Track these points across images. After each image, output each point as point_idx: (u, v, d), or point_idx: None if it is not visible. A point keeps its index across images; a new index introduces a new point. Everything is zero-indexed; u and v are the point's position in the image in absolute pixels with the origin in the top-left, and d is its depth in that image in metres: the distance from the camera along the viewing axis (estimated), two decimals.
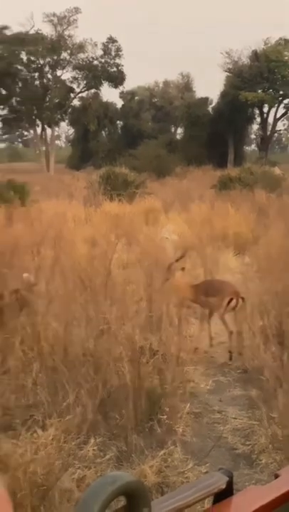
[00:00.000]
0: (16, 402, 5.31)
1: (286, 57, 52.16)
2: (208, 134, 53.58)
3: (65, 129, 79.54)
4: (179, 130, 64.89)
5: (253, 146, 70.27)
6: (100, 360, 5.53)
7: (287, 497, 1.89)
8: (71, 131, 68.83)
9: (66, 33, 55.59)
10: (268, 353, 5.97)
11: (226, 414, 5.63)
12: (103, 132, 60.22)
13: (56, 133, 63.11)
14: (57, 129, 62.66)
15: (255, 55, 52.71)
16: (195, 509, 1.98)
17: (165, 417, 5.01)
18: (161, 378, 5.39)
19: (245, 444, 5.03)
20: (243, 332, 7.12)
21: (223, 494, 1.84)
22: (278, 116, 57.24)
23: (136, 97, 63.57)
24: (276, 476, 2.04)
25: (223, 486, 1.81)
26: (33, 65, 55.44)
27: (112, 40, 56.99)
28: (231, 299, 7.21)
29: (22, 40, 52.73)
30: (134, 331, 6.05)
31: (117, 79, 57.28)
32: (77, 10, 55.41)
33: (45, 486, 3.70)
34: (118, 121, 61.60)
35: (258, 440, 4.98)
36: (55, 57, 55.46)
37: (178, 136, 63.25)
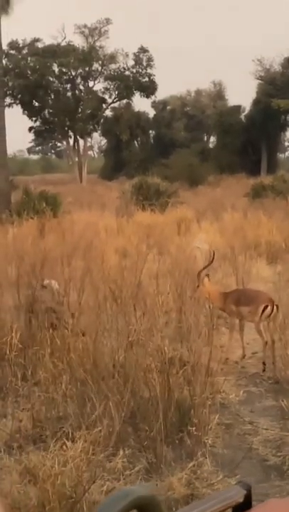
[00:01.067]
0: (46, 414, 5.35)
1: None
2: (241, 141, 53.45)
3: (97, 140, 79.92)
4: (212, 138, 64.91)
5: (287, 154, 69.96)
6: (129, 371, 5.54)
7: None
8: (104, 141, 69.37)
9: (97, 44, 56.00)
10: None
11: (257, 425, 5.60)
12: (135, 142, 60.46)
13: (89, 144, 63.50)
14: (89, 139, 63.04)
15: (288, 62, 52.50)
16: None
17: (194, 428, 4.99)
18: (191, 389, 5.37)
19: (276, 456, 5.00)
20: (275, 342, 7.07)
21: (242, 507, 1.84)
22: None
23: (168, 107, 63.72)
24: None
25: (241, 500, 1.82)
26: (65, 77, 55.86)
27: (143, 49, 57.12)
28: (266, 307, 7.15)
29: (54, 52, 53.28)
30: (163, 342, 6.07)
31: (148, 89, 57.35)
32: (108, 21, 55.81)
33: (73, 498, 3.72)
34: (150, 131, 61.78)
35: None
36: (87, 69, 55.82)
37: (210, 145, 63.22)
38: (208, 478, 4.46)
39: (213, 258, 8.18)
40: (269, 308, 7.14)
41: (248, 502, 1.86)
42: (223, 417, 5.64)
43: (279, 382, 6.45)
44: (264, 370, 6.93)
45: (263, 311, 7.15)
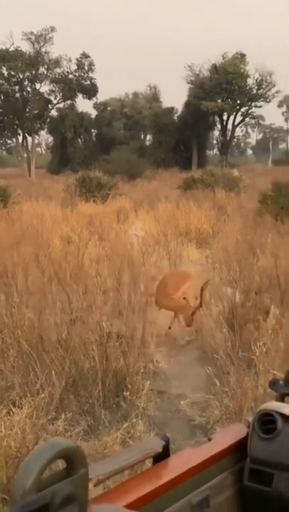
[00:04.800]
0: None
1: (242, 70, 52.49)
2: (175, 140, 53.71)
3: (44, 137, 79.05)
4: (148, 137, 64.88)
5: (215, 151, 70.55)
6: (71, 345, 5.53)
7: (218, 457, 1.94)
8: (50, 139, 68.59)
9: (43, 49, 55.20)
10: (222, 335, 6.02)
11: (186, 389, 5.68)
12: (79, 140, 59.97)
13: (36, 141, 62.65)
14: (37, 137, 62.22)
15: (215, 68, 52.90)
16: (136, 471, 2.02)
17: (129, 393, 5.03)
18: (126, 359, 5.41)
19: (201, 416, 5.10)
20: (202, 316, 7.16)
21: (161, 457, 1.87)
22: (236, 123, 57.58)
23: (108, 108, 63.41)
24: (209, 440, 2.09)
25: (160, 450, 1.85)
26: (14, 79, 54.96)
27: (85, 55, 56.71)
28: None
29: (3, 56, 52.34)
30: (102, 318, 6.09)
31: (90, 91, 57.05)
32: (52, 28, 55.02)
33: (18, 458, 3.71)
34: (92, 130, 61.40)
35: (212, 412, 5.04)
36: (34, 72, 55.01)
37: (147, 143, 63.23)
38: (140, 436, 4.51)
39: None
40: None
41: (166, 452, 1.90)
42: (155, 383, 5.71)
43: (205, 352, 6.55)
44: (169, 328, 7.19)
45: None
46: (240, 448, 2.00)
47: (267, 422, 1.97)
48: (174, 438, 4.36)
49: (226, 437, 2.06)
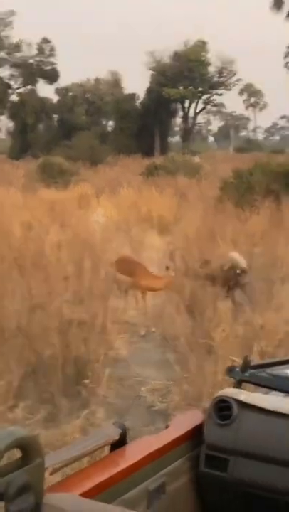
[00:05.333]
0: None
1: (203, 58, 52.57)
2: (137, 126, 53.52)
3: (5, 122, 77.93)
4: (110, 123, 64.56)
5: (177, 138, 70.62)
6: (31, 332, 5.49)
7: (174, 444, 1.95)
8: (11, 124, 67.63)
9: (3, 33, 54.31)
10: (182, 322, 6.05)
11: (146, 376, 5.70)
12: (40, 125, 59.37)
13: None
14: None
15: (176, 55, 52.84)
16: (94, 458, 2.01)
17: (89, 381, 5.03)
18: (87, 347, 5.39)
19: (162, 402, 5.12)
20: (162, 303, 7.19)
21: (119, 444, 1.88)
22: (198, 110, 57.75)
23: (70, 93, 62.79)
24: (166, 427, 2.10)
25: (117, 437, 1.86)
26: None
27: (46, 40, 56.08)
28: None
29: None
30: (62, 305, 6.05)
31: (51, 76, 56.52)
32: (12, 12, 54.17)
33: None
34: (54, 115, 60.80)
35: (172, 398, 5.07)
36: None
37: (109, 129, 62.91)
38: (100, 424, 4.51)
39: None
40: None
41: (123, 439, 1.91)
42: (115, 370, 5.69)
43: (165, 338, 6.57)
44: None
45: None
46: (196, 434, 2.02)
47: (223, 408, 1.99)
48: (134, 425, 4.37)
49: (182, 424, 2.07)
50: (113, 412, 4.80)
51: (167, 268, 7.41)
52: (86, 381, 5.06)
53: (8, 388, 4.63)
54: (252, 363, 2.20)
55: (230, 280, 7.15)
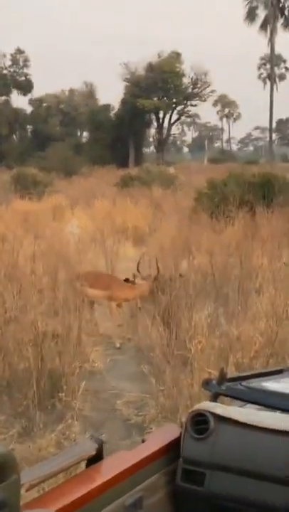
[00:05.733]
0: None
1: (178, 69, 52.95)
2: (111, 137, 53.65)
3: None
4: (85, 134, 64.65)
5: (152, 148, 70.90)
6: (5, 345, 5.44)
7: (151, 459, 1.94)
8: None
9: None
10: (157, 334, 6.04)
11: (122, 389, 5.67)
12: (14, 136, 59.24)
13: None
14: None
15: (150, 67, 53.13)
16: (71, 473, 1.99)
17: (64, 394, 4.99)
18: (62, 359, 5.36)
19: (137, 415, 5.09)
20: (137, 315, 7.18)
21: (95, 459, 1.86)
22: (172, 121, 58.06)
23: (44, 104, 62.75)
24: (143, 441, 2.09)
25: (93, 453, 1.84)
26: None
27: (20, 51, 56.11)
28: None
29: None
30: (37, 317, 6.00)
31: (25, 87, 56.48)
32: None
33: None
34: (28, 126, 60.72)
35: (148, 411, 5.05)
36: None
37: (83, 140, 62.98)
38: (76, 438, 4.47)
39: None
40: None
41: (100, 454, 1.89)
42: (91, 383, 5.66)
43: (141, 350, 6.55)
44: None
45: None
46: (173, 449, 2.01)
47: (200, 422, 1.99)
48: (110, 438, 4.34)
49: (159, 438, 2.06)
50: (89, 426, 4.77)
51: (134, 276, 7.46)
52: (61, 394, 5.03)
53: None
54: (228, 376, 2.20)
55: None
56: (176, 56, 53.65)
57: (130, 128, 53.23)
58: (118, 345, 6.95)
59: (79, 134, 65.92)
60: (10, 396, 5.03)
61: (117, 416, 5.09)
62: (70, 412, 4.87)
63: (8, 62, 56.20)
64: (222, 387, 2.14)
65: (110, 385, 5.75)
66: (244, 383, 2.16)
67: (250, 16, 43.16)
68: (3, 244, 10.32)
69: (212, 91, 56.13)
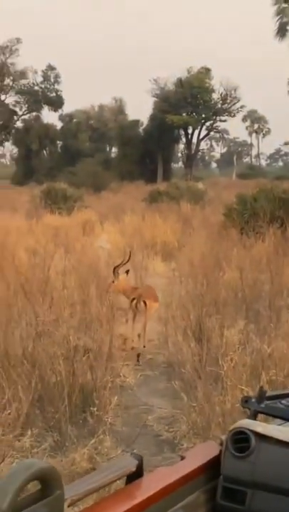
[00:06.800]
0: None
1: (207, 84, 53.12)
2: (140, 152, 53.98)
3: (9, 148, 78.62)
4: (114, 149, 65.14)
5: (180, 164, 71.08)
6: (37, 359, 5.47)
7: (191, 476, 1.92)
8: (15, 150, 68.26)
9: (9, 60, 55.06)
10: (189, 349, 6.02)
11: (153, 404, 5.66)
12: (44, 151, 59.88)
13: (1, 152, 62.41)
14: (2, 148, 62.00)
15: (180, 82, 53.38)
16: (109, 490, 1.99)
17: (96, 409, 4.99)
18: (93, 374, 5.36)
19: (168, 431, 5.06)
20: (167, 331, 7.15)
21: (134, 476, 1.85)
22: (201, 136, 58.20)
23: (74, 120, 63.41)
24: (182, 458, 2.08)
25: (133, 469, 1.83)
26: None
27: (51, 67, 56.85)
28: (133, 299, 7.19)
29: None
30: (68, 331, 6.03)
31: (56, 103, 57.16)
32: (18, 40, 54.97)
33: None
34: (58, 141, 61.34)
35: (179, 427, 5.01)
36: None
37: (112, 155, 63.44)
38: (108, 453, 4.46)
39: (129, 257, 8.02)
40: (148, 303, 7.15)
41: (139, 471, 1.88)
42: (122, 398, 5.65)
43: (172, 366, 6.52)
44: (138, 361, 6.80)
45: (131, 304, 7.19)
46: (212, 466, 1.99)
47: (240, 440, 1.97)
48: (141, 454, 4.31)
49: (199, 456, 2.04)
50: (120, 441, 4.76)
51: (127, 272, 7.67)
52: (93, 409, 5.03)
53: (16, 416, 4.60)
54: (267, 394, 2.18)
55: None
56: (206, 71, 53.88)
57: (159, 143, 53.47)
58: (150, 356, 6.93)
59: (108, 149, 66.45)
60: (42, 409, 5.04)
61: (148, 432, 5.07)
62: (102, 427, 4.86)
63: (40, 79, 57.01)
64: (261, 405, 2.13)
65: (141, 401, 5.74)
66: (284, 401, 2.14)
67: (281, 31, 42.99)
68: (34, 258, 10.41)
69: (241, 106, 56.25)
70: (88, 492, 1.67)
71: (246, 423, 2.03)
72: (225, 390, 4.92)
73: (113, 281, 7.64)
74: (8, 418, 4.44)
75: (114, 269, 7.67)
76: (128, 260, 7.91)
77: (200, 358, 5.58)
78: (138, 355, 6.85)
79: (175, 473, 1.90)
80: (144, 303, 7.13)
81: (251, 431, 1.96)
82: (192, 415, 4.94)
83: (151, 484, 1.81)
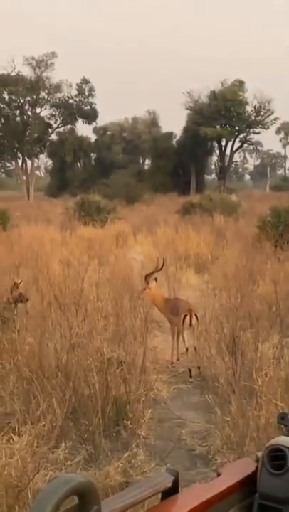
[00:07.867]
0: None
1: (240, 97, 53.03)
2: (173, 164, 54.09)
3: (44, 161, 79.49)
4: (147, 161, 65.35)
5: (213, 176, 70.96)
6: (71, 371, 5.49)
7: (227, 493, 1.91)
8: (50, 162, 69.05)
9: (44, 74, 55.79)
10: (222, 363, 5.98)
11: (186, 418, 5.63)
12: (78, 163, 60.42)
13: (36, 164, 63.09)
14: (36, 160, 62.65)
15: (214, 95, 53.42)
16: (144, 506, 1.99)
17: (129, 422, 4.99)
18: (127, 387, 5.36)
19: (202, 446, 5.03)
20: (201, 344, 7.11)
21: (170, 492, 1.85)
22: (235, 148, 58.06)
23: (108, 132, 63.88)
24: (218, 474, 2.07)
25: (169, 485, 1.83)
26: (14, 104, 55.68)
27: (85, 81, 57.46)
28: (186, 316, 7.13)
29: (4, 81, 53.07)
30: (102, 344, 6.05)
31: (90, 116, 57.69)
32: (53, 54, 55.65)
33: (19, 487, 3.66)
34: (92, 154, 61.83)
35: (213, 441, 4.98)
36: (34, 97, 55.64)
37: (146, 167, 63.66)
38: (141, 466, 4.45)
39: (163, 265, 7.93)
40: (188, 317, 7.11)
41: (175, 487, 1.88)
42: (155, 411, 5.64)
43: (205, 380, 6.49)
44: (190, 376, 6.76)
45: (184, 320, 7.13)
46: (248, 483, 1.98)
47: (276, 457, 1.95)
48: (174, 468, 4.30)
49: (235, 472, 2.03)
50: (154, 454, 4.74)
51: (156, 280, 7.65)
52: (126, 422, 5.02)
53: (51, 428, 4.62)
54: None
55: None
56: (240, 84, 53.79)
57: (192, 155, 53.53)
58: (183, 369, 6.91)
59: (141, 161, 66.69)
60: (75, 422, 5.06)
61: (182, 446, 5.05)
62: (135, 440, 4.86)
63: (74, 92, 57.64)
64: None
65: (174, 414, 5.72)
66: None
67: None
68: (68, 270, 10.47)
69: (275, 118, 55.94)
70: (124, 508, 1.67)
71: (283, 440, 2.02)
72: (259, 405, 4.87)
73: (144, 289, 7.63)
74: (43, 430, 4.46)
75: (146, 276, 7.67)
76: (161, 268, 7.87)
77: (234, 371, 5.54)
78: (190, 370, 6.81)
79: (211, 489, 1.89)
80: (196, 317, 7.12)
81: (288, 448, 1.94)
82: (226, 430, 4.90)
83: (187, 501, 1.81)
